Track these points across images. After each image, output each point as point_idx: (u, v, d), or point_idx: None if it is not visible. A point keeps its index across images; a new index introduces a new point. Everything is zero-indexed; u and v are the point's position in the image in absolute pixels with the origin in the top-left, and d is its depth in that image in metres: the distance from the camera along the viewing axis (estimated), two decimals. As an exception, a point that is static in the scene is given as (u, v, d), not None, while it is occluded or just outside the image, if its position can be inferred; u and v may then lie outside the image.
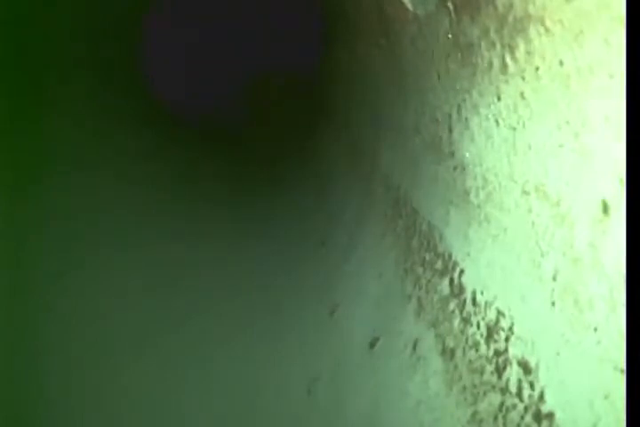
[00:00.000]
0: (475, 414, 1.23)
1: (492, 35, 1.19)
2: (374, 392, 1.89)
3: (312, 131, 6.30)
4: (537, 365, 1.03)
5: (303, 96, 8.08)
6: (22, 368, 2.30)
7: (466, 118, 1.48)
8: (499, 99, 1.22)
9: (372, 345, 2.08)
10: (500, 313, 1.23)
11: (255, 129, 7.74)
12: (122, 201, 3.78)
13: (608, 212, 0.81)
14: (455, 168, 1.62)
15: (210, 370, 2.63)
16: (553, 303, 0.99)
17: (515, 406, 1.07)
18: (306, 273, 3.38)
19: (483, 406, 1.20)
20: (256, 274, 3.52)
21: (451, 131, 1.65)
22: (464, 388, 1.31)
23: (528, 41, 1.03)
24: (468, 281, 1.45)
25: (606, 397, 0.79)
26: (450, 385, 1.40)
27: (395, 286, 2.13)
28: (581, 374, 0.88)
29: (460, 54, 1.45)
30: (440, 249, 1.73)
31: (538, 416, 0.99)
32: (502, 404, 1.13)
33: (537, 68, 1.01)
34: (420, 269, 1.90)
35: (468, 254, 1.47)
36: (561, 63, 0.92)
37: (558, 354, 0.96)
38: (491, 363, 1.22)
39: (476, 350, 1.31)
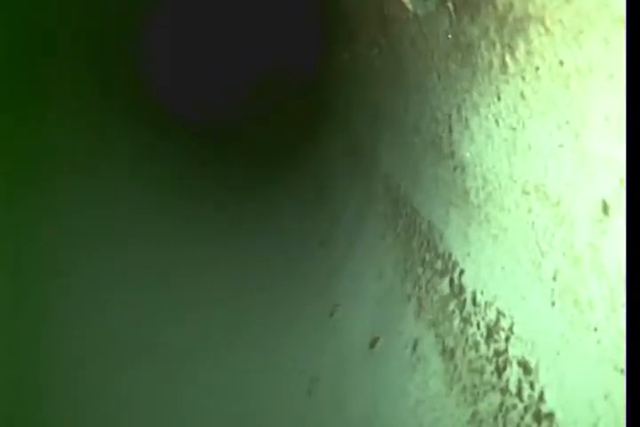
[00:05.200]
0: (475, 414, 1.23)
1: (492, 35, 1.19)
2: (374, 392, 1.89)
3: (312, 131, 6.30)
4: (537, 365, 1.03)
5: (303, 96, 8.08)
6: (22, 368, 2.30)
7: (466, 118, 1.48)
8: (499, 99, 1.22)
9: (372, 345, 2.08)
10: (500, 313, 1.23)
11: (255, 129, 7.73)
12: (121, 201, 3.78)
13: (608, 212, 0.81)
14: (455, 168, 1.62)
15: (210, 370, 2.63)
16: (553, 303, 0.99)
17: (515, 406, 1.07)
18: (306, 273, 3.38)
19: (483, 406, 1.20)
20: (256, 274, 3.52)
21: (451, 131, 1.65)
22: (464, 388, 1.31)
23: (528, 41, 1.03)
24: (468, 281, 1.45)
25: (606, 397, 0.79)
26: (450, 385, 1.40)
27: (395, 286, 2.13)
28: (581, 374, 0.88)
29: (459, 54, 1.45)
30: (440, 249, 1.73)
31: (538, 416, 0.99)
32: (502, 404, 1.13)
33: (537, 68, 1.01)
34: (420, 269, 1.90)
35: (468, 254, 1.47)
36: (561, 63, 0.92)
37: (558, 354, 0.96)
38: (491, 363, 1.22)
39: (476, 350, 1.31)
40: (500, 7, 1.12)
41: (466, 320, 1.41)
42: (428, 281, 1.78)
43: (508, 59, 1.14)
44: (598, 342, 0.83)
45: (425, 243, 1.92)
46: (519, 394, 1.07)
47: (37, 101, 3.35)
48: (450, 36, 1.49)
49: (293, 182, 5.28)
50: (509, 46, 1.12)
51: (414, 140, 2.20)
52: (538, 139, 1.05)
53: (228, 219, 4.43)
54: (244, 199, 4.95)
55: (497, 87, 1.22)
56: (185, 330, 2.91)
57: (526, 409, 1.03)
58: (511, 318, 1.18)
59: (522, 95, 1.10)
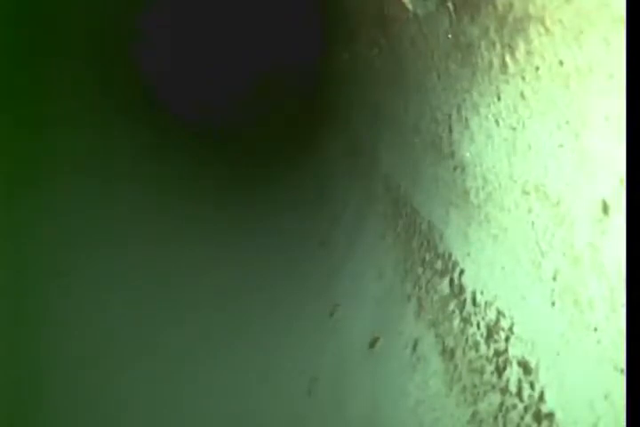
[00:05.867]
0: (475, 414, 1.23)
1: (492, 35, 1.19)
2: (374, 392, 1.89)
3: (312, 131, 6.30)
4: (537, 365, 1.03)
5: (303, 96, 8.08)
6: (22, 368, 2.30)
7: (466, 118, 1.48)
8: (499, 99, 1.22)
9: (371, 345, 2.08)
10: (500, 313, 1.23)
11: (255, 129, 7.73)
12: (121, 201, 3.78)
13: (608, 212, 0.81)
14: (455, 168, 1.62)
15: (210, 370, 2.63)
16: (553, 303, 0.99)
17: (515, 406, 1.07)
18: (306, 273, 3.38)
19: (483, 406, 1.20)
20: (256, 274, 3.52)
21: (451, 131, 1.65)
22: (464, 388, 1.31)
23: (528, 41, 1.03)
24: (468, 281, 1.45)
25: (606, 397, 0.79)
26: (450, 385, 1.40)
27: (395, 286, 2.13)
28: (581, 374, 0.88)
29: (459, 54, 1.45)
30: (440, 249, 1.73)
31: (538, 416, 0.99)
32: (502, 404, 1.13)
33: (537, 68, 1.01)
34: (420, 269, 1.90)
35: (468, 254, 1.47)
36: (561, 63, 0.92)
37: (558, 354, 0.96)
38: (491, 363, 1.22)
39: (476, 350, 1.31)
40: (500, 7, 1.12)
41: (466, 320, 1.41)
42: (428, 281, 1.78)
43: (508, 59, 1.14)
44: (598, 342, 0.83)
45: (425, 243, 1.92)
46: (519, 394, 1.07)
47: (37, 101, 3.35)
48: (450, 36, 1.49)
49: (293, 182, 5.28)
50: (509, 46, 1.12)
51: (414, 140, 2.20)
52: (538, 139, 1.05)
53: (228, 219, 4.43)
54: (244, 199, 4.95)
55: (497, 87, 1.22)
56: (185, 330, 2.91)
57: (526, 409, 1.03)
58: (511, 318, 1.18)
59: (522, 95, 1.10)
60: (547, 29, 0.94)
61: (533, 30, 0.99)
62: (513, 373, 1.11)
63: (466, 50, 1.39)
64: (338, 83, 4.92)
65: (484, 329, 1.30)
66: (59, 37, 3.73)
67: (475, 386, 1.26)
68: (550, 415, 0.95)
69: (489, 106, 1.29)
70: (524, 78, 1.08)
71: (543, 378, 1.00)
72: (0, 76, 2.96)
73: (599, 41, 0.78)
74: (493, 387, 1.18)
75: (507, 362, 1.15)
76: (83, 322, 2.69)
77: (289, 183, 5.29)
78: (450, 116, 1.64)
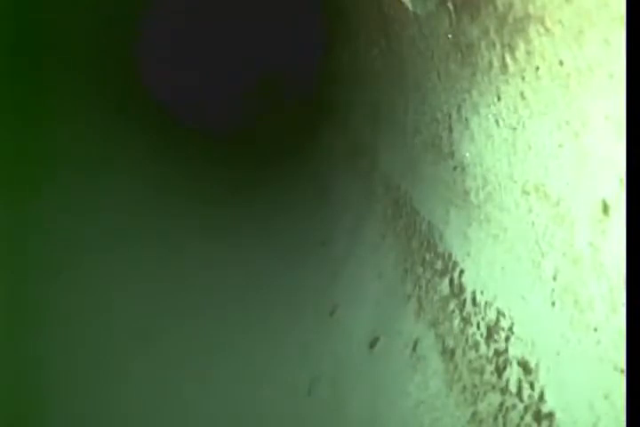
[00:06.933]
0: (475, 414, 1.23)
1: (492, 35, 1.19)
2: (374, 392, 1.89)
3: (312, 131, 6.30)
4: (537, 365, 1.03)
5: (303, 96, 8.08)
6: (21, 368, 2.30)
7: (466, 118, 1.48)
8: (499, 99, 1.22)
9: (372, 345, 2.08)
10: (500, 313, 1.23)
11: (255, 129, 7.74)
12: (122, 201, 3.78)
13: (608, 212, 0.81)
14: (455, 168, 1.62)
15: (210, 370, 2.63)
16: (553, 303, 0.99)
17: (515, 406, 1.07)
18: (306, 273, 3.38)
19: (483, 406, 1.20)
20: (256, 274, 3.52)
21: (451, 131, 1.65)
22: (464, 388, 1.31)
23: (528, 41, 1.03)
24: (468, 281, 1.45)
25: (606, 397, 0.79)
26: (450, 385, 1.40)
27: (395, 285, 2.13)
28: (581, 374, 0.88)
29: (459, 54, 1.45)
30: (440, 249, 1.73)
31: (538, 416, 0.99)
32: (502, 404, 1.13)
33: (537, 68, 1.01)
34: (420, 269, 1.90)
35: (468, 254, 1.47)
36: (561, 63, 0.92)
37: (558, 354, 0.96)
38: (491, 363, 1.22)
39: (476, 350, 1.31)
40: (500, 7, 1.12)
41: (466, 320, 1.41)
42: (428, 281, 1.78)
43: (508, 59, 1.14)
44: (598, 342, 0.83)
45: (425, 243, 1.92)
46: (519, 394, 1.07)
47: (37, 102, 3.35)
48: (450, 36, 1.49)
49: (293, 182, 5.28)
50: (509, 46, 1.12)
51: (414, 140, 2.20)
52: (538, 139, 1.05)
53: (228, 219, 4.43)
54: (244, 199, 4.95)
55: (497, 87, 1.22)
56: (185, 329, 2.91)
57: (526, 409, 1.03)
58: (511, 318, 1.18)
59: (522, 95, 1.10)
60: (547, 29, 0.94)
61: (533, 30, 0.99)
62: (513, 373, 1.11)
63: (466, 50, 1.39)
64: (338, 83, 4.92)
65: (483, 329, 1.30)
66: (59, 37, 3.73)
67: (475, 386, 1.26)
68: (550, 415, 0.95)
69: (489, 106, 1.29)
70: (523, 78, 1.08)
71: (543, 378, 1.00)
72: (0, 77, 2.96)
73: (599, 41, 0.78)
74: (493, 387, 1.18)
75: (507, 362, 1.15)
76: (83, 322, 2.69)
77: (289, 183, 5.29)
78: (450, 116, 1.64)
